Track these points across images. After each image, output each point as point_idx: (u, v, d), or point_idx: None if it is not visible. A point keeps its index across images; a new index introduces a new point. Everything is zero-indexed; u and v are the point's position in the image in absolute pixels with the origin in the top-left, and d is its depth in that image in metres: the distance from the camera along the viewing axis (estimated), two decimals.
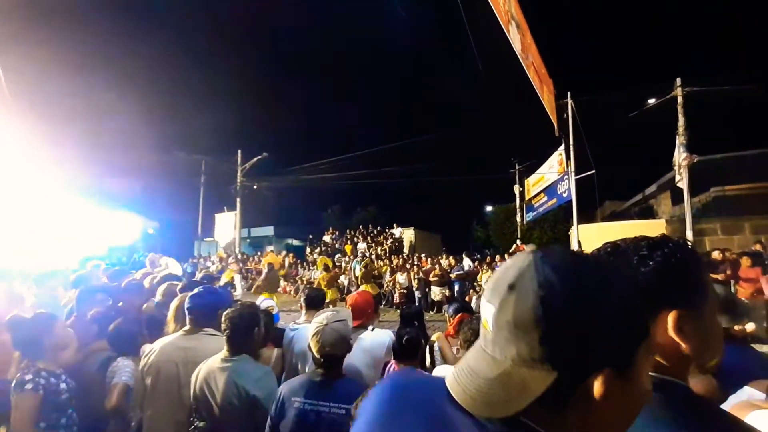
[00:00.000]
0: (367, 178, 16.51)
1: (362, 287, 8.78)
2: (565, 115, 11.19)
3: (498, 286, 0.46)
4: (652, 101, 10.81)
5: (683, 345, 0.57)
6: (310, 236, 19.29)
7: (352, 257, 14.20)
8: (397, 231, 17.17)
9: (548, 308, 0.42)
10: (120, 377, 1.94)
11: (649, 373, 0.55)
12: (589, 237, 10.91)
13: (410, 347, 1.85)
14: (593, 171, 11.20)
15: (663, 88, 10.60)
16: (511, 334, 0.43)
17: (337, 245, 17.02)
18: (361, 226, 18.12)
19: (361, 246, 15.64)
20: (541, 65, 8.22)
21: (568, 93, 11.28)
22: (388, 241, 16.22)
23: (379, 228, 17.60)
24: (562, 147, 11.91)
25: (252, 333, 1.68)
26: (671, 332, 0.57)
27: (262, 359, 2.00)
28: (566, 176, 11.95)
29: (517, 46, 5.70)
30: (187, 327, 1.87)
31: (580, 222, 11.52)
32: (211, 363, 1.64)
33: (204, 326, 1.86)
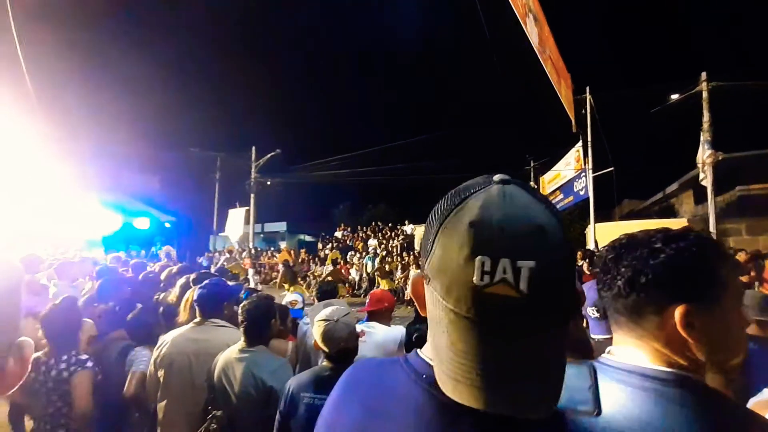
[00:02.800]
0: (379, 174, 16.51)
1: (382, 284, 8.78)
2: (583, 111, 10.90)
3: (517, 232, 0.36)
4: (675, 97, 10.42)
5: (692, 341, 0.54)
6: (322, 232, 19.42)
7: (363, 253, 14.23)
8: (408, 228, 17.09)
9: (563, 246, 0.37)
10: (138, 366, 1.98)
11: (666, 369, 0.54)
12: (607, 236, 10.62)
13: (420, 343, 1.82)
14: (612, 168, 10.90)
15: (687, 83, 10.20)
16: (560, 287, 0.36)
17: (348, 241, 17.08)
18: (372, 223, 18.12)
19: (372, 242, 15.65)
20: (559, 59, 8.01)
21: (587, 88, 10.99)
22: (399, 238, 16.17)
23: (390, 224, 17.57)
24: (580, 143, 11.62)
25: (268, 325, 1.70)
26: (679, 327, 0.54)
27: (278, 352, 2.02)
28: (583, 173, 11.67)
29: (534, 40, 5.56)
30: (197, 318, 1.91)
31: (597, 220, 11.25)
32: (229, 354, 1.66)
33: (211, 317, 1.90)
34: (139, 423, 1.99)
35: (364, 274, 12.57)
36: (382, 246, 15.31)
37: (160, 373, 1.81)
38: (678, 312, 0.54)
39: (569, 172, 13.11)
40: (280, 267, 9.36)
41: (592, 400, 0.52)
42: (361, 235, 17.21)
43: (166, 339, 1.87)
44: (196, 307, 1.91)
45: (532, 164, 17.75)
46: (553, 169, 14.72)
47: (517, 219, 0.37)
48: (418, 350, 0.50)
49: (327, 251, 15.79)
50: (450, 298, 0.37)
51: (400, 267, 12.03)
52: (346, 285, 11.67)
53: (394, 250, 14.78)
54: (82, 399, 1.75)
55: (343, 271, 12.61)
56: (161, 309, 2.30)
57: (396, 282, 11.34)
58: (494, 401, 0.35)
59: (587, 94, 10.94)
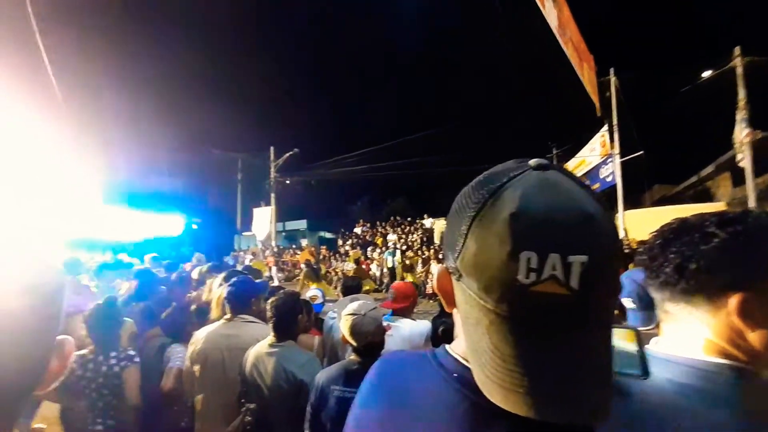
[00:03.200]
0: (397, 169, 16.45)
1: (407, 278, 8.81)
2: (607, 94, 10.42)
3: (565, 223, 0.33)
4: (707, 74, 9.78)
5: (749, 331, 0.50)
6: (342, 229, 19.63)
7: (383, 249, 14.28)
8: (427, 221, 16.99)
9: (607, 232, 0.34)
10: (174, 362, 2.08)
11: (719, 361, 0.50)
12: (637, 223, 10.18)
13: (445, 337, 1.82)
14: (641, 152, 10.39)
15: (719, 58, 9.55)
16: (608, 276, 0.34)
17: (367, 237, 17.19)
18: (391, 218, 18.14)
19: (392, 237, 15.67)
20: (581, 41, 7.67)
21: (611, 69, 10.49)
22: (419, 232, 16.11)
23: (409, 219, 17.52)
24: (605, 128, 11.12)
25: (296, 320, 1.74)
26: (734, 317, 0.50)
27: (305, 346, 2.06)
28: (610, 159, 11.19)
29: (553, 22, 5.35)
30: (228, 315, 1.97)
31: (626, 208, 10.79)
32: (259, 348, 1.71)
33: (240, 313, 1.96)
34: (177, 415, 2.08)
35: (385, 270, 12.62)
36: (402, 241, 15.31)
37: (196, 367, 1.89)
38: (734, 300, 0.50)
39: (594, 158, 12.61)
40: (303, 266, 9.53)
41: (639, 363, 0.49)
42: (380, 230, 17.27)
43: (200, 335, 1.95)
44: (226, 304, 1.97)
45: (554, 152, 17.20)
46: (577, 155, 14.19)
47: (564, 208, 0.34)
48: (447, 347, 0.48)
49: (347, 247, 15.94)
50: (489, 297, 0.35)
51: (420, 261, 12.00)
52: (370, 280, 11.75)
53: (414, 244, 14.75)
54: (133, 392, 1.87)
55: (364, 266, 12.71)
56: (193, 307, 2.39)
57: (417, 276, 11.32)
58: (550, 410, 0.32)
59: (611, 75, 10.44)
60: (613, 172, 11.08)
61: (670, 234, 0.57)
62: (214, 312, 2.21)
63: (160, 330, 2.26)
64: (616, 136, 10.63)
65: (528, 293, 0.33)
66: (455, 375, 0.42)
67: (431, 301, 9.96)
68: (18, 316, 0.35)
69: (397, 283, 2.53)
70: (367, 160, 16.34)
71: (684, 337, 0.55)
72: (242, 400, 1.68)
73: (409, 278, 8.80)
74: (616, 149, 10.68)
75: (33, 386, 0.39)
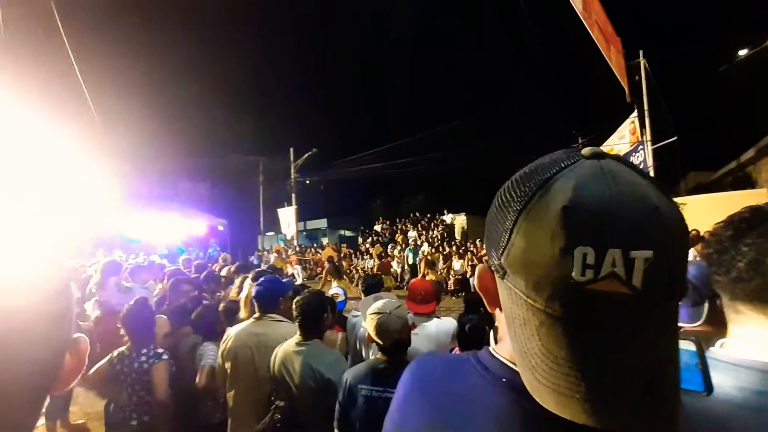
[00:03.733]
0: (415, 165, 16.34)
1: (429, 275, 8.77)
2: (637, 77, 9.85)
3: (628, 216, 0.30)
4: (743, 52, 9.08)
5: None
6: (362, 226, 19.75)
7: (403, 245, 14.26)
8: (447, 217, 16.81)
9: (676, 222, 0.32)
10: (206, 360, 2.14)
11: None
12: None
13: (473, 335, 1.78)
14: (674, 138, 9.79)
15: (757, 35, 8.83)
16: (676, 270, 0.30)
17: (387, 234, 17.21)
18: (411, 214, 18.07)
19: (412, 234, 15.61)
20: (607, 23, 7.29)
21: (640, 51, 9.91)
22: (439, 228, 15.97)
23: (429, 215, 17.39)
24: (635, 113, 10.54)
25: (321, 318, 1.75)
26: None
27: (329, 342, 2.08)
28: (641, 146, 10.63)
29: (578, 5, 5.11)
30: (256, 314, 2.01)
31: None
32: (287, 347, 1.73)
33: (269, 312, 2.00)
34: (211, 411, 2.15)
35: (406, 266, 12.59)
36: (422, 237, 15.22)
37: (228, 365, 1.94)
38: None
39: (624, 146, 12.00)
40: (326, 263, 9.65)
41: (701, 379, 0.45)
42: (400, 227, 17.24)
43: (230, 333, 2.00)
44: (255, 303, 2.02)
45: (579, 141, 16.51)
46: (604, 144, 13.58)
47: (625, 200, 0.31)
48: (491, 349, 0.45)
49: (368, 245, 16.02)
50: (539, 296, 0.32)
51: (441, 257, 11.89)
52: (391, 277, 11.77)
53: (435, 240, 14.63)
54: (160, 388, 1.93)
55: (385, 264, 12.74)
56: (222, 305, 2.46)
57: (439, 273, 11.23)
58: (611, 418, 0.29)
59: (641, 58, 9.86)
60: (644, 160, 10.51)
61: (742, 224, 0.51)
62: (243, 311, 2.27)
63: (191, 329, 2.34)
64: (647, 121, 10.05)
65: (584, 292, 0.30)
66: (504, 379, 0.39)
67: (453, 298, 9.87)
68: (25, 315, 0.35)
69: (414, 281, 2.49)
70: (385, 157, 16.34)
71: (758, 340, 0.49)
72: (272, 398, 1.71)
73: (431, 276, 8.72)
74: (648, 136, 10.11)
75: (47, 387, 0.39)
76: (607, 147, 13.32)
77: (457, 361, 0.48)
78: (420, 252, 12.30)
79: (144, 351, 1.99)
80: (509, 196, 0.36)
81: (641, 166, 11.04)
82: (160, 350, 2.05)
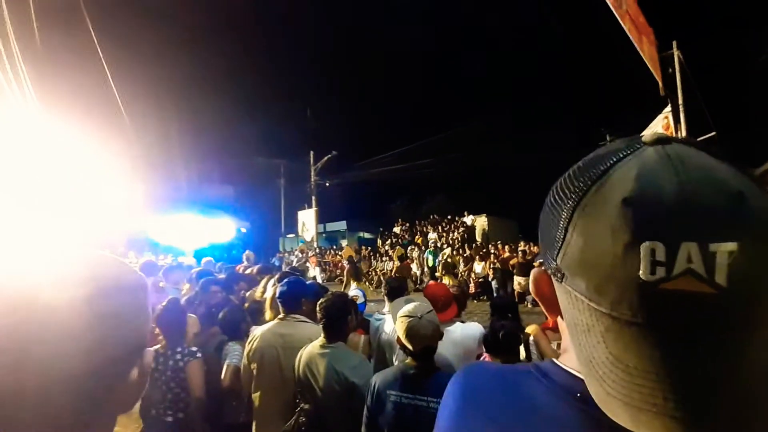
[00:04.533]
0: (434, 166, 16.23)
1: (445, 280, 8.65)
2: (670, 70, 9.32)
3: (703, 204, 0.27)
4: None
5: None
6: (381, 228, 19.78)
7: (423, 248, 14.14)
8: (468, 219, 16.56)
9: None
10: (232, 359, 2.17)
11: None
12: None
13: (508, 341, 1.71)
14: (713, 134, 9.22)
15: None
16: None
17: (406, 236, 17.13)
18: (431, 216, 17.93)
19: (432, 236, 15.47)
20: (639, 13, 6.94)
21: (674, 42, 9.39)
22: (459, 230, 15.75)
23: (449, 217, 17.20)
24: (669, 108, 9.99)
25: (345, 321, 1.74)
26: None
27: (352, 345, 2.06)
28: None
29: None
30: (281, 315, 2.02)
31: None
32: (311, 349, 1.72)
33: (292, 313, 2.00)
34: (236, 410, 2.18)
35: (426, 269, 12.47)
36: (443, 239, 15.05)
37: (253, 365, 1.95)
38: None
39: None
40: (345, 263, 9.69)
41: None
42: (419, 229, 17.13)
43: (256, 333, 2.02)
44: (279, 304, 2.02)
45: (608, 138, 15.88)
46: None
47: (699, 187, 0.27)
48: (555, 360, 0.41)
49: (387, 247, 16.00)
50: (604, 299, 0.29)
51: (462, 260, 11.70)
52: (410, 280, 11.70)
53: (455, 242, 14.43)
54: (196, 384, 1.97)
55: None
56: (246, 305, 2.49)
57: (460, 276, 11.05)
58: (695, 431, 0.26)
59: (674, 49, 9.34)
60: None
61: None
62: (268, 312, 2.29)
63: (219, 329, 2.39)
64: (681, 116, 9.50)
65: (656, 293, 0.27)
66: (578, 394, 0.34)
67: (475, 302, 9.68)
68: (73, 308, 0.34)
69: (430, 288, 2.39)
70: (404, 159, 16.32)
71: None
72: (297, 400, 1.70)
73: (446, 280, 8.58)
74: (682, 132, 9.57)
75: (105, 394, 0.37)
76: None
77: (514, 373, 0.43)
78: (440, 254, 12.14)
79: (179, 350, 2.04)
80: (562, 192, 0.33)
81: None
82: (194, 348, 2.09)
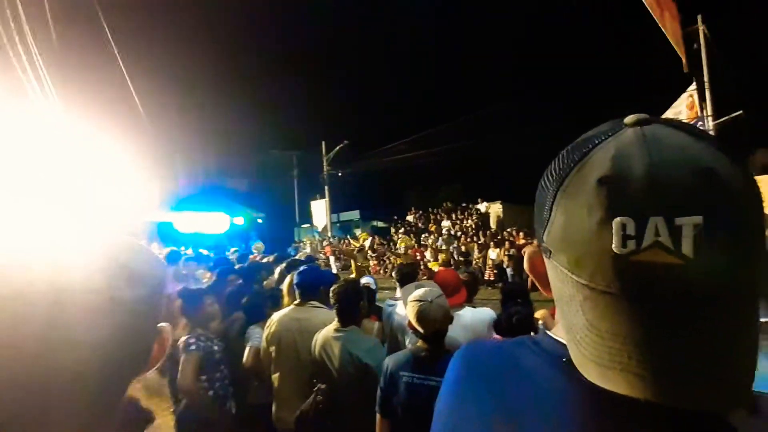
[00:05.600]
0: (447, 153, 16.02)
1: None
2: (695, 46, 8.81)
3: (672, 181, 0.28)
4: None
5: None
6: (395, 217, 19.80)
7: (437, 236, 14.12)
8: (482, 206, 16.37)
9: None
10: (253, 342, 2.28)
11: None
12: None
13: (521, 326, 1.73)
14: (739, 112, 8.73)
15: None
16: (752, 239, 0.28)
17: (420, 224, 17.11)
18: (445, 204, 17.80)
19: (445, 224, 15.40)
20: None
21: (698, 17, 8.86)
22: (473, 217, 15.61)
23: (463, 204, 17.04)
24: (693, 86, 9.48)
25: (358, 306, 1.79)
26: None
27: (366, 330, 2.13)
28: (700, 122, 9.61)
29: None
30: (298, 300, 2.10)
31: None
32: (326, 333, 1.80)
33: (310, 299, 2.07)
34: (259, 389, 2.29)
35: (440, 257, 12.49)
36: (456, 227, 14.97)
37: (272, 348, 2.05)
38: None
39: None
40: (365, 244, 9.77)
41: None
42: (433, 217, 17.07)
43: (273, 318, 2.11)
44: (296, 290, 2.10)
45: None
46: None
47: (670, 164, 0.29)
48: (549, 332, 0.44)
49: (400, 235, 16.05)
50: (582, 271, 0.31)
51: (476, 247, 11.65)
52: (423, 268, 11.76)
53: (469, 230, 14.34)
54: (186, 377, 1.97)
55: (417, 255, 12.70)
56: (267, 293, 2.60)
57: (474, 263, 11.02)
58: (654, 389, 0.28)
59: (699, 24, 8.81)
60: None
61: None
62: (286, 298, 2.38)
63: (243, 313, 2.50)
64: (707, 94, 9.00)
65: (627, 264, 0.29)
66: (564, 360, 0.37)
67: (490, 289, 9.67)
68: (119, 300, 0.37)
69: (438, 271, 2.44)
70: (417, 147, 16.15)
71: None
72: (314, 381, 1.78)
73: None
74: (708, 110, 9.09)
75: (138, 369, 0.42)
76: None
77: (512, 346, 0.46)
78: (452, 242, 12.10)
79: (198, 335, 2.13)
80: (550, 174, 0.36)
81: None
82: (191, 340, 2.07)
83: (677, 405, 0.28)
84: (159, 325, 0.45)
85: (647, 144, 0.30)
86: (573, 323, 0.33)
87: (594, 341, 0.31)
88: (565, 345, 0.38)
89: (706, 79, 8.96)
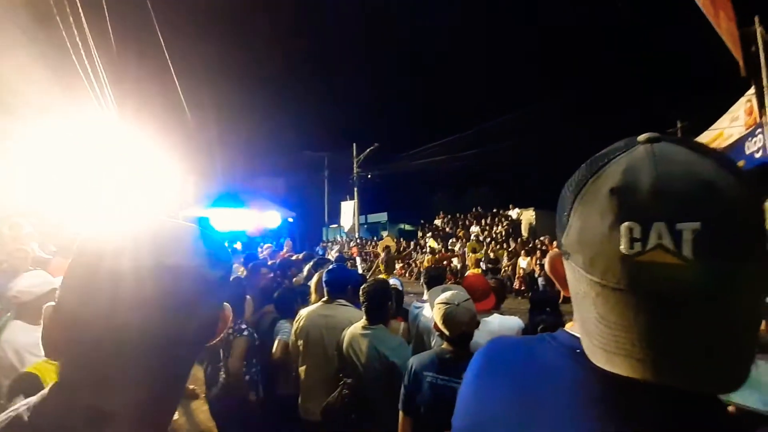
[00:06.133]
0: (479, 157, 15.73)
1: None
2: (753, 48, 8.07)
3: (674, 192, 0.32)
4: None
5: None
6: (422, 221, 19.71)
7: (465, 241, 13.88)
8: (513, 212, 15.90)
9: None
10: (282, 335, 2.38)
11: None
12: None
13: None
14: None
15: None
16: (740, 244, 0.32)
17: (448, 229, 16.90)
18: (475, 209, 17.48)
19: (474, 229, 15.11)
20: None
21: (756, 17, 8.11)
22: (504, 223, 15.19)
23: (494, 210, 16.64)
24: (752, 90, 8.69)
25: (386, 305, 1.84)
26: None
27: (391, 330, 2.16)
28: (759, 129, 8.78)
29: None
30: (326, 297, 2.17)
31: None
32: (354, 330, 1.85)
33: (338, 297, 2.14)
34: (287, 381, 2.39)
35: (467, 262, 12.26)
36: (485, 233, 14.64)
37: (300, 342, 2.13)
38: None
39: (737, 130, 10.02)
40: (381, 254, 9.86)
41: None
42: (462, 222, 16.80)
43: (302, 314, 2.19)
44: (325, 288, 2.18)
45: (679, 125, 14.23)
46: (711, 127, 11.46)
47: (674, 178, 0.33)
48: (565, 328, 0.48)
49: (427, 239, 15.93)
50: (595, 270, 0.35)
51: (506, 255, 11.33)
52: (449, 272, 11.61)
53: (499, 236, 13.97)
54: (235, 360, 2.15)
55: (444, 260, 12.56)
56: (297, 289, 2.70)
57: (503, 271, 10.73)
58: (654, 371, 0.32)
59: (756, 24, 8.03)
60: (764, 145, 8.67)
61: None
62: (313, 295, 2.46)
63: (273, 307, 2.62)
64: (766, 99, 8.22)
65: (634, 264, 0.32)
66: (578, 351, 0.40)
67: (519, 299, 9.35)
68: (193, 276, 0.44)
69: (467, 275, 2.45)
70: (448, 150, 16.01)
71: None
72: (341, 375, 1.84)
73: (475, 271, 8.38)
74: None
75: (207, 338, 0.49)
76: (715, 131, 11.23)
77: (531, 341, 0.50)
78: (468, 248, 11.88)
79: (232, 326, 2.27)
80: (569, 184, 0.40)
81: (760, 153, 9.17)
82: (243, 326, 2.30)
83: (671, 384, 0.32)
84: (224, 303, 0.51)
85: (655, 159, 0.34)
86: (586, 317, 0.37)
87: (603, 331, 0.35)
88: (579, 338, 0.42)
89: (765, 83, 8.17)
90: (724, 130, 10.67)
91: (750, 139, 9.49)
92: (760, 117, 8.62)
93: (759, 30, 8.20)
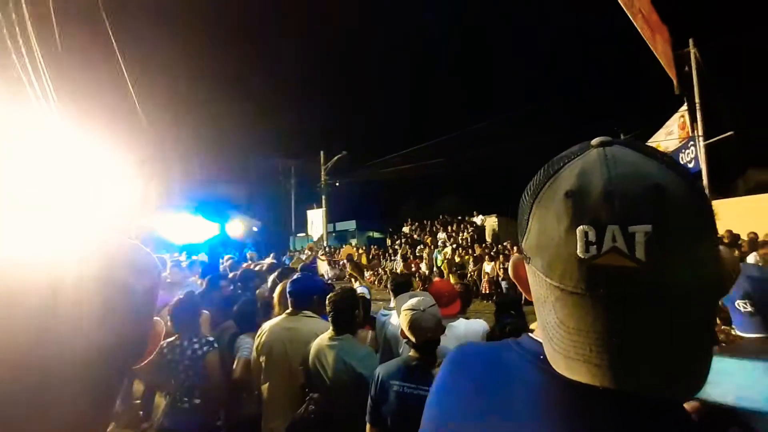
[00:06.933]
0: (444, 166, 16.16)
1: (451, 278, 8.65)
2: (687, 68, 9.08)
3: (627, 194, 0.32)
4: None
5: None
6: (390, 228, 19.80)
7: (432, 247, 14.11)
8: (477, 219, 16.43)
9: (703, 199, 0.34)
10: (242, 352, 2.24)
11: None
12: (729, 215, 8.82)
13: (514, 335, 1.73)
14: (730, 133, 8.96)
15: None
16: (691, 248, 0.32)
17: (416, 236, 17.11)
18: (441, 216, 17.85)
19: (441, 236, 15.42)
20: (652, 10, 6.80)
21: (690, 40, 9.15)
22: (469, 230, 15.65)
23: (459, 217, 17.10)
24: (685, 107, 9.74)
25: (353, 314, 1.78)
26: None
27: (360, 339, 2.11)
28: (692, 142, 9.81)
29: None
30: (290, 309, 2.08)
31: (713, 197, 9.39)
32: (320, 341, 1.78)
33: (302, 308, 2.05)
34: (246, 402, 2.25)
35: (435, 268, 12.46)
36: (452, 239, 14.98)
37: (262, 358, 2.02)
38: None
39: (672, 143, 11.14)
40: (345, 261, 9.75)
41: None
42: (429, 228, 17.09)
43: (264, 328, 2.08)
44: (289, 299, 2.08)
45: (621, 137, 15.47)
46: (651, 140, 12.65)
47: (625, 180, 0.33)
48: (529, 334, 0.48)
49: (396, 247, 16.02)
50: (553, 274, 0.35)
51: (471, 260, 11.64)
52: (417, 279, 11.71)
53: (464, 242, 14.35)
54: (215, 372, 2.08)
55: (413, 265, 12.67)
56: (259, 302, 2.56)
57: (469, 276, 10.99)
58: (611, 377, 0.31)
59: (691, 47, 9.09)
60: (695, 157, 9.69)
61: None
62: (277, 307, 2.35)
63: (233, 323, 2.46)
64: (698, 115, 9.23)
65: (590, 267, 0.32)
66: (541, 357, 0.40)
67: (485, 302, 9.61)
68: (121, 288, 0.38)
69: (435, 284, 2.47)
70: (415, 159, 16.29)
71: None
72: (306, 390, 1.75)
73: (453, 279, 8.55)
74: (699, 131, 9.30)
75: (134, 361, 0.43)
76: (653, 143, 12.40)
77: (497, 347, 0.50)
78: (441, 254, 12.14)
79: (195, 340, 2.12)
80: (529, 189, 0.41)
81: (692, 164, 10.25)
82: (211, 338, 2.19)
83: (629, 390, 0.31)
84: (156, 320, 0.45)
85: (607, 162, 0.35)
86: (547, 322, 0.37)
87: (563, 337, 0.34)
88: (542, 344, 0.41)
89: (697, 100, 9.20)
90: (660, 143, 11.80)
91: (683, 151, 10.59)
92: (692, 131, 9.66)
93: (693, 51, 9.23)
